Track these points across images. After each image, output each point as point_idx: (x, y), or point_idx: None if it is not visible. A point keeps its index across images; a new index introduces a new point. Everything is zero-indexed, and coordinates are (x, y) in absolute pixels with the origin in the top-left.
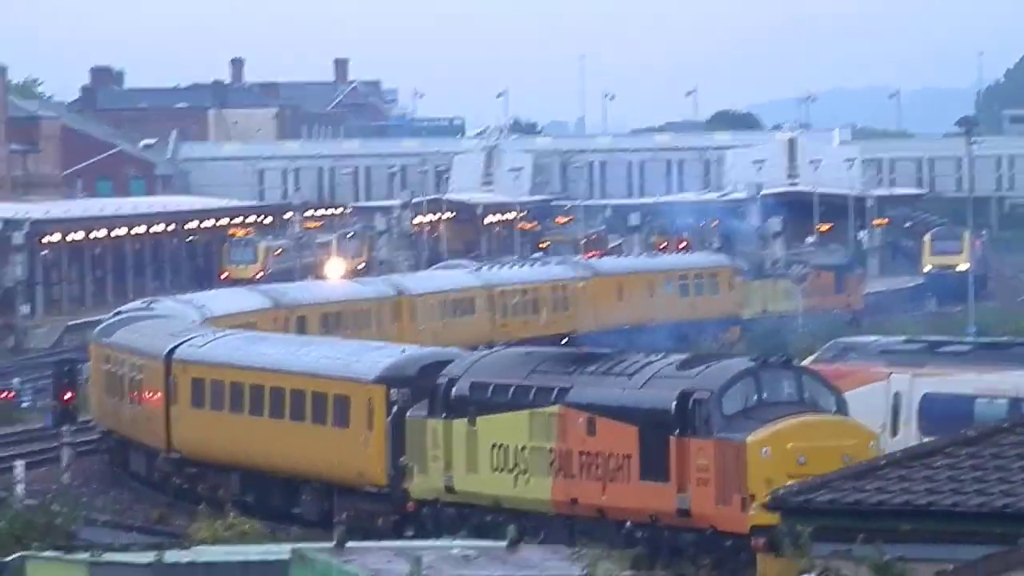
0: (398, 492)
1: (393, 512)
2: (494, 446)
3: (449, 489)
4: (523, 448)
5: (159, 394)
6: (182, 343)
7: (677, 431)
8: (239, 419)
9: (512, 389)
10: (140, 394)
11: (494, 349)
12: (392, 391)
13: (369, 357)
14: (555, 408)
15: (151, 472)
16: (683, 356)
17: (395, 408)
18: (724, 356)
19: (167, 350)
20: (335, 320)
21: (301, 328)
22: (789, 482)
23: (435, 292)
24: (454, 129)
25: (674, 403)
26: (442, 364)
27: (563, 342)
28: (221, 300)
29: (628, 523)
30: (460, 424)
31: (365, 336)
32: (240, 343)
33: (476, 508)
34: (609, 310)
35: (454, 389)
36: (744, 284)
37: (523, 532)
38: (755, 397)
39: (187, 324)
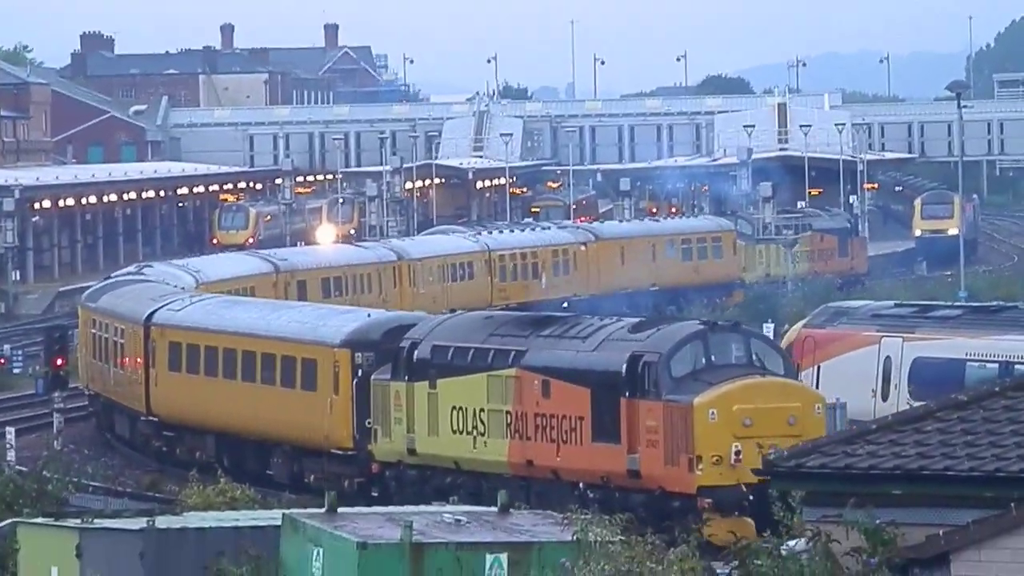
0: (363, 454)
1: (359, 474)
2: (454, 408)
3: (411, 451)
4: (481, 410)
5: (139, 358)
6: (161, 307)
7: (627, 393)
8: (213, 383)
9: (471, 352)
10: (122, 358)
11: (456, 313)
12: (357, 355)
13: (335, 321)
14: (511, 371)
15: (134, 436)
16: (636, 320)
17: (360, 372)
18: (677, 319)
19: (146, 314)
20: (336, 284)
21: (302, 293)
22: (735, 443)
23: (434, 256)
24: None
25: (624, 365)
26: (406, 328)
27: (564, 306)
28: (218, 265)
29: (581, 485)
30: (421, 387)
31: (366, 301)
32: (215, 307)
33: (437, 470)
34: (611, 274)
35: (416, 352)
36: (747, 248)
37: (480, 493)
38: (703, 360)
39: (168, 289)
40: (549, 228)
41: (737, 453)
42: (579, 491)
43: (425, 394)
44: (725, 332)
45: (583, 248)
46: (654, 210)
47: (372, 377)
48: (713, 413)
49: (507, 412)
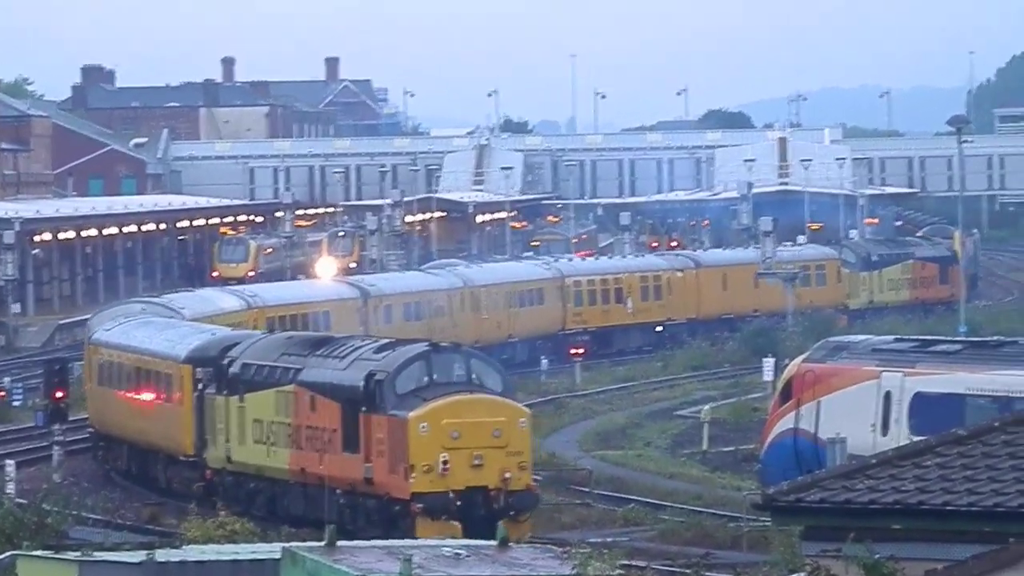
0: (202, 461)
1: (200, 479)
2: (255, 420)
3: (229, 459)
4: (272, 423)
5: (89, 374)
6: (103, 329)
7: (364, 408)
8: (114, 395)
9: (266, 370)
10: (86, 374)
11: (272, 334)
12: (197, 370)
13: (187, 340)
14: (291, 387)
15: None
16: (385, 341)
17: (200, 385)
18: (416, 341)
19: (91, 335)
20: (416, 309)
21: (388, 316)
22: (443, 454)
23: (499, 283)
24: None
25: (362, 383)
26: (234, 346)
27: (657, 329)
28: (288, 290)
29: (338, 491)
30: (234, 401)
31: (440, 325)
32: (131, 328)
33: (247, 476)
34: (712, 300)
35: (231, 369)
36: (851, 276)
37: (273, 498)
38: (426, 378)
39: (120, 312)
40: (641, 256)
41: (445, 463)
42: (336, 497)
43: (236, 407)
44: (448, 353)
45: (679, 274)
46: (655, 244)
47: (206, 391)
48: (424, 426)
49: (288, 424)
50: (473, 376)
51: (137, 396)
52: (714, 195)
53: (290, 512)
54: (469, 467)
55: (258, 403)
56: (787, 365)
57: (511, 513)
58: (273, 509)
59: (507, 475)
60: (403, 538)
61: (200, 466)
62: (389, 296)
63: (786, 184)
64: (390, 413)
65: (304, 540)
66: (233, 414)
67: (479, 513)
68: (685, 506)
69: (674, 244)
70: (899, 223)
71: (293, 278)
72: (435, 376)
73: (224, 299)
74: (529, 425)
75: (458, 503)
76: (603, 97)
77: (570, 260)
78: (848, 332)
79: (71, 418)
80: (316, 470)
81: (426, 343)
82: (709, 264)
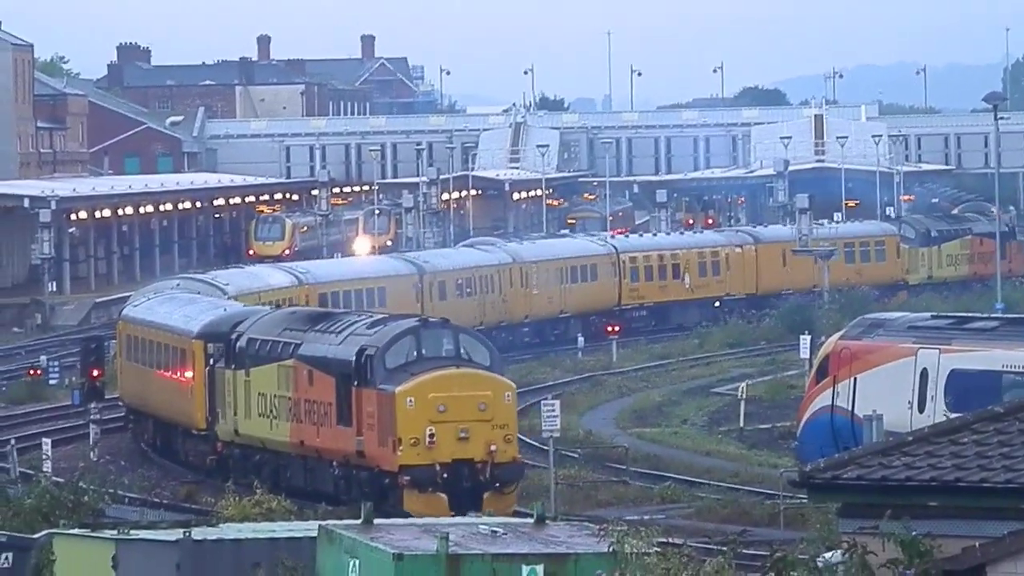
0: (213, 435)
1: (212, 452)
2: (259, 394)
3: (236, 432)
4: (275, 396)
5: (120, 349)
6: (132, 305)
7: (356, 382)
8: (141, 370)
9: (269, 345)
10: (117, 349)
11: (278, 310)
12: (209, 345)
13: (202, 315)
14: (291, 362)
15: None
16: (379, 316)
17: (211, 360)
18: (407, 317)
19: (121, 311)
20: (468, 284)
21: (443, 292)
22: (429, 427)
23: (550, 259)
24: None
25: (354, 358)
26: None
27: (716, 305)
28: (342, 266)
29: (333, 463)
30: (241, 375)
31: (490, 300)
32: (155, 304)
33: (253, 448)
34: (771, 276)
35: (238, 344)
36: (910, 251)
37: (276, 470)
38: (415, 353)
39: (167, 287)
40: (700, 232)
41: (431, 436)
42: (332, 469)
43: (243, 381)
44: (436, 328)
45: (738, 250)
46: (691, 221)
47: (216, 365)
48: (411, 400)
49: (289, 398)
50: (462, 351)
51: (157, 371)
52: (750, 172)
53: (292, 484)
54: (455, 440)
55: (262, 377)
56: (823, 342)
57: (497, 485)
58: (277, 481)
59: (493, 448)
60: (393, 509)
61: (212, 439)
62: (443, 272)
63: (822, 161)
64: (379, 387)
65: (340, 518)
66: (240, 388)
67: (465, 485)
68: (722, 483)
69: (710, 222)
70: (935, 200)
71: (330, 256)
72: (424, 351)
73: (273, 275)
74: (515, 399)
75: (444, 475)
76: (639, 74)
77: (627, 237)
78: (905, 308)
79: (107, 396)
80: (314, 443)
81: (416, 319)
82: (768, 240)
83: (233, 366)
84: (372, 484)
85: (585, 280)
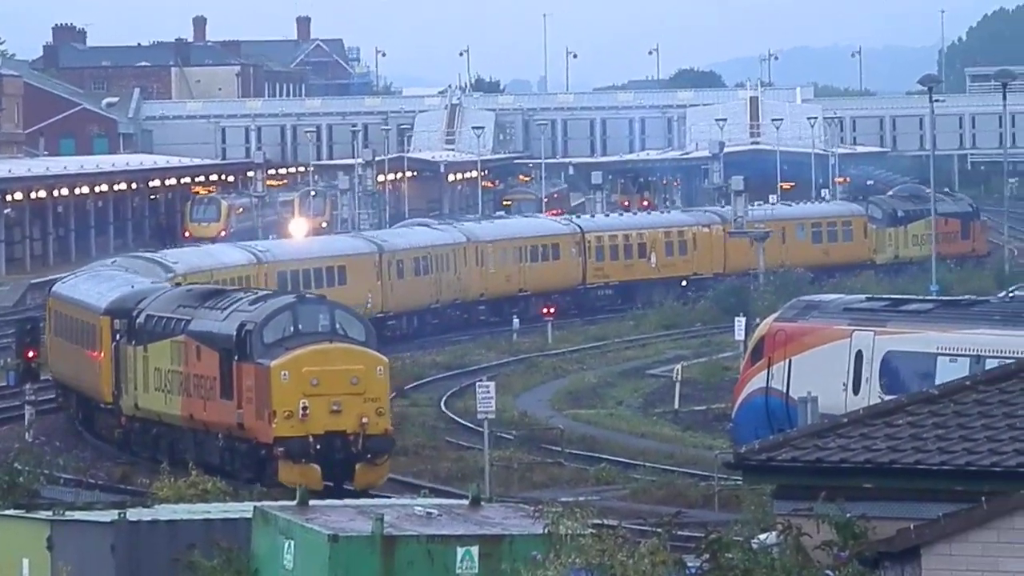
0: (117, 409)
1: (118, 425)
2: (156, 369)
3: (136, 406)
4: (169, 371)
5: (48, 325)
6: (61, 282)
7: (237, 357)
8: (65, 345)
9: (164, 321)
10: (47, 325)
11: (178, 288)
12: (115, 321)
13: (111, 292)
14: (182, 338)
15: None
16: (262, 293)
17: (118, 336)
18: (286, 294)
19: (50, 288)
20: (424, 264)
21: (400, 271)
22: (303, 400)
23: (506, 238)
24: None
25: (235, 333)
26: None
27: (682, 284)
28: (302, 245)
29: (219, 436)
30: (140, 350)
31: (446, 279)
32: (80, 281)
33: (151, 423)
34: (739, 255)
35: (138, 320)
36: (877, 232)
37: (172, 443)
38: (291, 328)
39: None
40: (665, 212)
41: (304, 408)
42: (217, 441)
43: (141, 356)
44: (313, 304)
45: (706, 230)
46: (626, 203)
47: (120, 341)
48: (285, 374)
49: (180, 373)
50: (337, 327)
51: (75, 346)
52: (685, 154)
53: (184, 457)
54: (328, 413)
55: (158, 352)
56: (758, 324)
57: (368, 456)
58: (173, 454)
59: (364, 420)
60: (270, 480)
61: (117, 413)
62: (402, 251)
63: (757, 143)
64: (257, 362)
65: (276, 500)
66: (139, 363)
67: (338, 456)
68: (657, 465)
69: (645, 203)
70: (870, 182)
71: (265, 238)
72: (300, 326)
73: (228, 253)
74: (387, 373)
75: (317, 447)
76: (575, 56)
77: (592, 217)
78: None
79: (43, 377)
80: (201, 416)
81: (294, 295)
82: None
83: (134, 342)
84: (251, 456)
85: (547, 259)
